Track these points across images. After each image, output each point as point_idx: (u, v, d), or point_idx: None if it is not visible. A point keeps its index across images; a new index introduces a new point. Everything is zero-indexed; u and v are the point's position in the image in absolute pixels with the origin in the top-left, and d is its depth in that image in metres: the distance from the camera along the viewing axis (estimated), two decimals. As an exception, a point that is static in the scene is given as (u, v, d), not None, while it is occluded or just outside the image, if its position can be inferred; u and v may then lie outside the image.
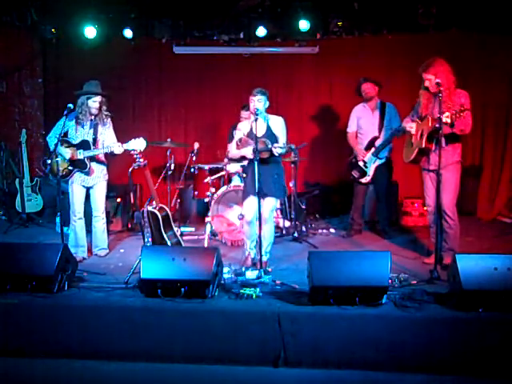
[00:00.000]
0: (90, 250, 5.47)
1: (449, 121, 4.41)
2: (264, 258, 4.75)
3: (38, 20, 6.87)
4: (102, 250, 5.49)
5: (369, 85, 5.99)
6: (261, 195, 4.51)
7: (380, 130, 5.97)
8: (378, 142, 5.95)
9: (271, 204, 4.82)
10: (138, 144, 5.02)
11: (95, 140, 5.26)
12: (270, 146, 4.58)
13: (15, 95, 7.52)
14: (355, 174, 6.06)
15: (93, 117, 5.28)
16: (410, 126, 4.76)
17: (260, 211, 4.45)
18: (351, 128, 6.18)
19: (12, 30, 7.14)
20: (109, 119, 5.39)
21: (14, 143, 7.24)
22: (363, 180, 6.03)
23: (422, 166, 4.72)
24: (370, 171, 5.99)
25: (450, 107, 4.45)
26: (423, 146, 4.63)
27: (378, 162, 5.97)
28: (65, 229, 5.17)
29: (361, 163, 6.01)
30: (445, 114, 4.42)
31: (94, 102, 5.21)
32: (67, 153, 5.20)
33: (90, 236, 5.50)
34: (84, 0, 6.67)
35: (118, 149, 5.11)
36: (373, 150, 5.96)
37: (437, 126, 4.40)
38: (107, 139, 5.33)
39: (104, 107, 5.30)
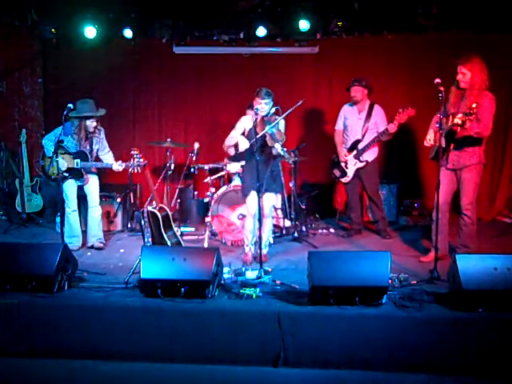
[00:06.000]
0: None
1: (459, 122, 4.47)
2: (264, 251, 4.89)
3: (38, 20, 6.86)
4: (99, 240, 5.64)
5: (357, 88, 5.94)
6: (261, 191, 4.59)
7: (364, 133, 5.97)
8: (360, 145, 5.97)
9: (271, 199, 4.96)
10: (138, 166, 5.15)
11: (91, 151, 5.52)
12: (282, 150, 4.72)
13: (15, 95, 7.51)
14: (336, 172, 6.18)
15: (88, 133, 5.51)
16: (429, 139, 4.80)
17: (260, 207, 4.53)
18: (338, 126, 6.23)
19: (12, 30, 7.13)
20: (102, 131, 5.62)
21: (13, 143, 7.23)
22: (343, 180, 6.15)
23: (441, 163, 4.71)
24: (350, 172, 6.05)
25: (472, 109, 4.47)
26: (442, 144, 4.63)
27: (359, 165, 6.01)
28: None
29: (342, 163, 6.07)
30: (458, 115, 4.49)
31: (92, 123, 5.43)
32: (63, 164, 5.37)
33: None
34: (84, 0, 6.67)
35: (117, 167, 5.38)
36: (354, 152, 5.99)
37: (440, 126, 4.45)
38: (101, 149, 5.61)
39: (99, 123, 5.54)
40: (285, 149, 4.79)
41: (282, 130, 4.94)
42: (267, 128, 4.65)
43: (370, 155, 6.01)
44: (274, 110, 4.68)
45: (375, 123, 5.95)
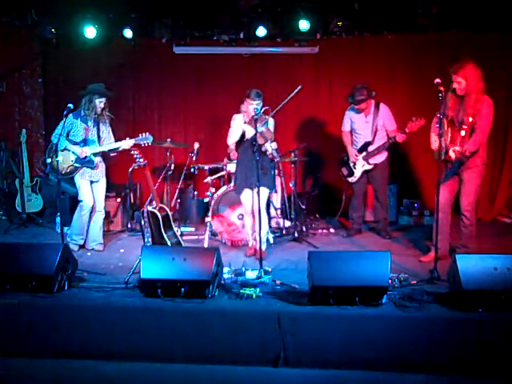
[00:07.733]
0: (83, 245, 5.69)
1: (453, 157, 4.60)
2: (263, 248, 4.90)
3: (38, 20, 6.88)
4: (100, 244, 5.66)
5: (361, 103, 5.91)
6: (255, 186, 4.67)
7: (374, 135, 5.95)
8: (370, 147, 5.97)
9: (264, 194, 5.07)
10: (145, 139, 5.28)
11: (99, 138, 5.52)
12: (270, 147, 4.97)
13: (15, 95, 7.52)
14: (344, 171, 6.18)
15: (96, 116, 5.49)
16: (435, 140, 4.77)
17: (256, 202, 4.62)
18: (345, 127, 6.20)
19: (12, 30, 7.14)
20: (108, 120, 5.61)
21: (13, 143, 7.24)
22: (349, 179, 6.14)
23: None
24: (357, 173, 6.06)
25: (473, 114, 4.52)
26: (442, 145, 4.65)
27: (366, 167, 6.01)
28: (65, 229, 5.20)
29: (351, 163, 6.08)
30: (452, 148, 4.62)
31: (101, 102, 5.46)
32: (76, 150, 5.41)
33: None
34: (84, 0, 6.67)
35: (127, 143, 5.36)
36: (364, 154, 5.99)
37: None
38: (107, 138, 5.59)
39: (107, 108, 5.54)
40: (274, 147, 5.02)
41: (272, 129, 5.09)
42: (257, 126, 4.76)
43: (379, 158, 5.99)
44: (263, 109, 4.81)
45: (383, 124, 5.93)
